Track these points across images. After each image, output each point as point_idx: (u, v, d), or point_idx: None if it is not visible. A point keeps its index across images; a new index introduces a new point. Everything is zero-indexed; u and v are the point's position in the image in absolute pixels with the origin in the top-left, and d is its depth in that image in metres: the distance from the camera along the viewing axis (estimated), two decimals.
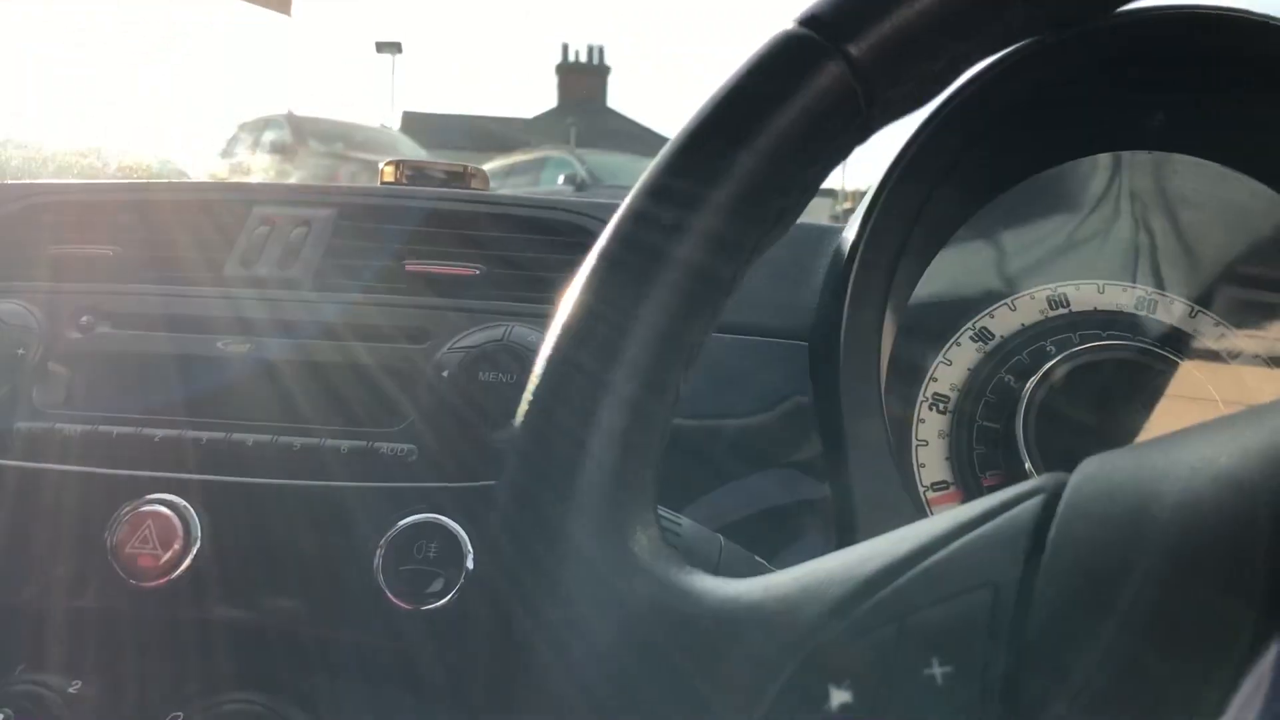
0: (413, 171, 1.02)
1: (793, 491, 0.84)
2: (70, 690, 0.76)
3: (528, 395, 0.46)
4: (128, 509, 0.76)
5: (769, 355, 0.85)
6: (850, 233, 0.86)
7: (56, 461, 0.81)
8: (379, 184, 1.03)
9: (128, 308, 0.88)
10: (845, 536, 0.69)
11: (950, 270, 0.93)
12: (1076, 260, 0.88)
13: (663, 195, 0.46)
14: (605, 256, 0.46)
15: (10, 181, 0.99)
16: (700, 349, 0.47)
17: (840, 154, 0.49)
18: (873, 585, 0.36)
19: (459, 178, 1.02)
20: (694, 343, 0.46)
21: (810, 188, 0.49)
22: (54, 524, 0.78)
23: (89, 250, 0.92)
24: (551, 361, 0.46)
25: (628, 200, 0.47)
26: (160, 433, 0.82)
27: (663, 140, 0.49)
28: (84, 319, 0.88)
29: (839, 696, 0.35)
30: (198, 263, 0.91)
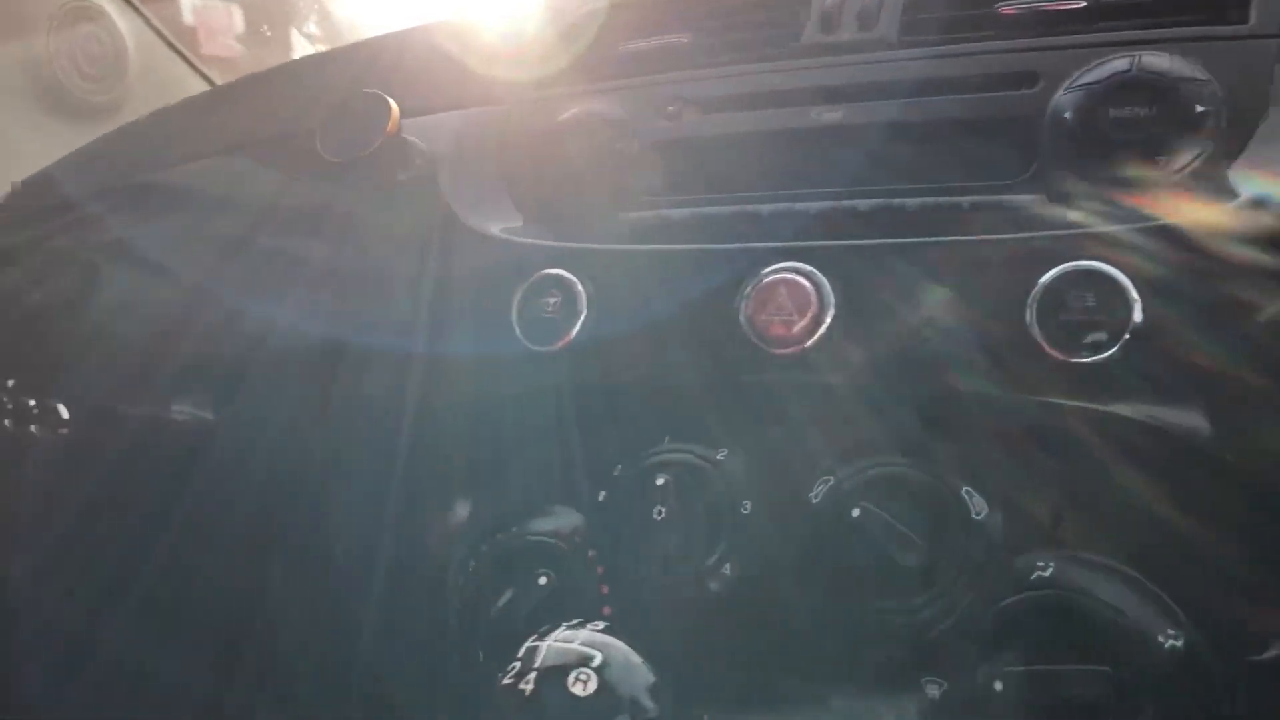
0: None
1: None
2: (718, 457, 0.78)
3: None
4: (755, 281, 0.76)
5: None
6: None
7: (666, 243, 0.82)
8: None
9: (712, 91, 0.88)
10: None
11: None
12: None
13: None
14: None
15: None
16: None
17: None
18: None
19: None
20: None
21: None
22: (682, 302, 0.79)
23: (664, 40, 0.92)
24: None
25: None
26: (767, 207, 0.81)
27: None
28: (670, 107, 0.88)
29: None
30: (774, 37, 0.88)
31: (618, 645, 0.57)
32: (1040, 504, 0.71)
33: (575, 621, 0.60)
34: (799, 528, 0.75)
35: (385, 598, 0.94)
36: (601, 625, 0.59)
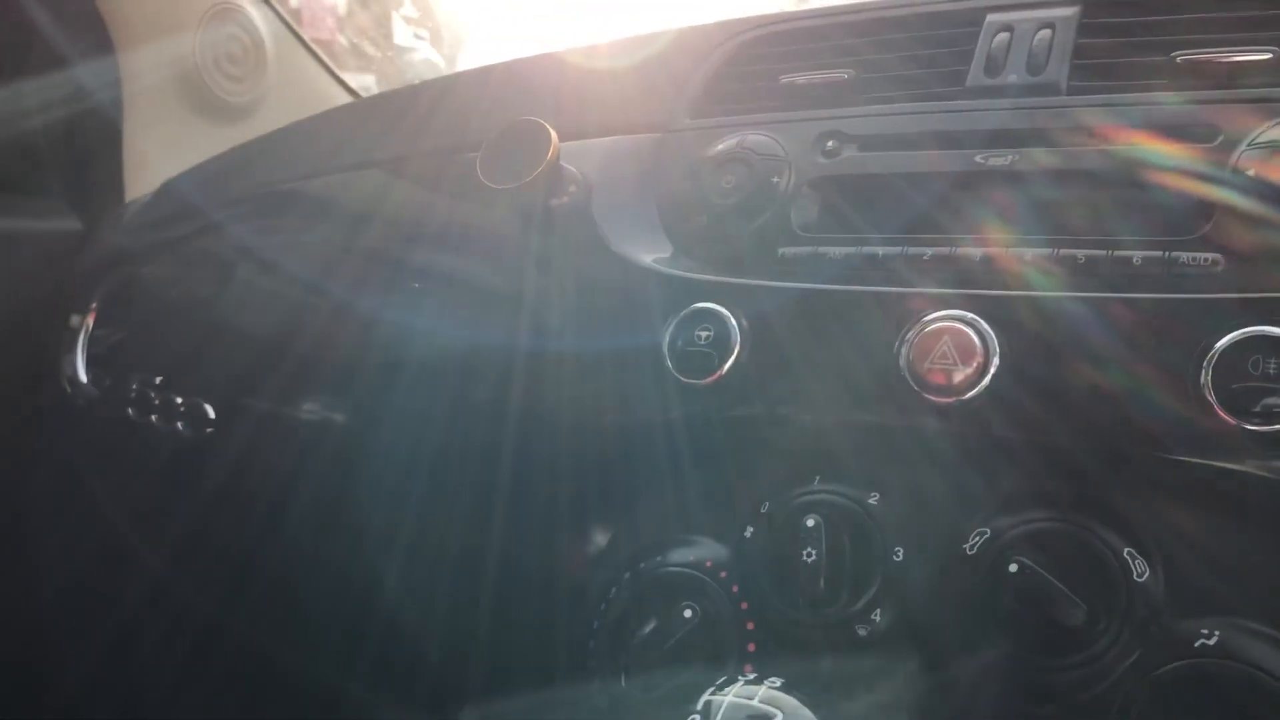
0: None
1: None
2: (870, 501, 0.79)
3: None
4: (918, 327, 0.75)
5: None
6: None
7: (824, 282, 0.82)
8: None
9: (872, 129, 0.87)
10: None
11: None
12: None
13: None
14: None
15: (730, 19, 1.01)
16: None
17: None
18: None
19: None
20: None
21: None
22: (839, 343, 0.79)
23: (824, 76, 0.92)
24: None
25: None
26: (929, 251, 0.80)
27: None
28: (829, 144, 0.88)
29: None
30: (938, 78, 0.88)
31: (795, 704, 0.58)
32: (1207, 570, 0.70)
33: (752, 676, 0.61)
34: (953, 579, 0.75)
35: (521, 617, 0.96)
36: (779, 682, 0.59)
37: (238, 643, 1.26)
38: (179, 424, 1.17)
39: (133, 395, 1.22)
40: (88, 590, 1.37)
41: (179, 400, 1.17)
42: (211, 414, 1.17)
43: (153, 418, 1.19)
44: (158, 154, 1.48)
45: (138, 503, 1.30)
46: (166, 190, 1.37)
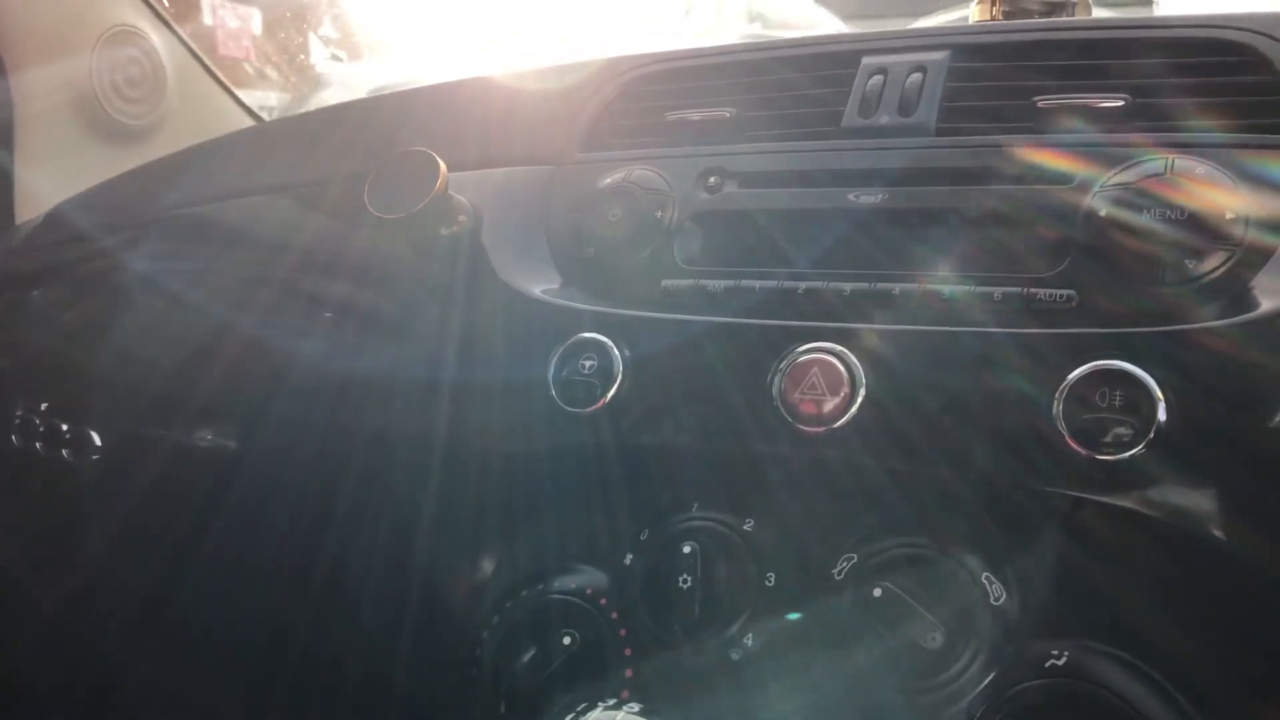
0: (1009, 7, 0.95)
1: None
2: (745, 528, 0.81)
3: None
4: (790, 358, 0.78)
5: None
6: None
7: (703, 314, 0.84)
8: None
9: (752, 166, 0.90)
10: None
11: None
12: None
13: None
14: None
15: (619, 55, 1.04)
16: None
17: None
18: None
19: (1060, 8, 0.95)
20: None
21: None
22: (716, 373, 0.82)
23: (708, 113, 0.94)
24: None
25: None
26: (803, 285, 0.83)
27: None
28: (711, 180, 0.90)
29: None
30: (816, 117, 0.90)
31: None
32: (1058, 594, 0.73)
33: (611, 702, 0.62)
34: (821, 603, 0.77)
35: (406, 642, 0.96)
36: (638, 707, 0.60)
37: (137, 681, 1.24)
38: (64, 451, 1.15)
39: (16, 422, 1.19)
40: None
41: (64, 427, 1.15)
42: (98, 441, 1.15)
43: (37, 445, 1.16)
44: (50, 177, 1.45)
45: (25, 536, 1.27)
46: (56, 215, 1.35)
